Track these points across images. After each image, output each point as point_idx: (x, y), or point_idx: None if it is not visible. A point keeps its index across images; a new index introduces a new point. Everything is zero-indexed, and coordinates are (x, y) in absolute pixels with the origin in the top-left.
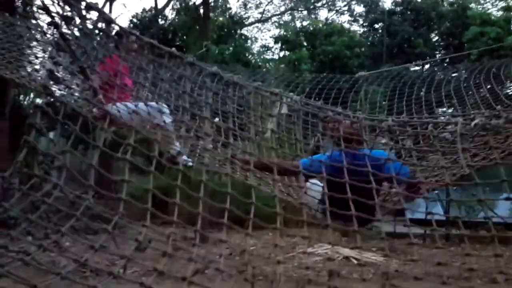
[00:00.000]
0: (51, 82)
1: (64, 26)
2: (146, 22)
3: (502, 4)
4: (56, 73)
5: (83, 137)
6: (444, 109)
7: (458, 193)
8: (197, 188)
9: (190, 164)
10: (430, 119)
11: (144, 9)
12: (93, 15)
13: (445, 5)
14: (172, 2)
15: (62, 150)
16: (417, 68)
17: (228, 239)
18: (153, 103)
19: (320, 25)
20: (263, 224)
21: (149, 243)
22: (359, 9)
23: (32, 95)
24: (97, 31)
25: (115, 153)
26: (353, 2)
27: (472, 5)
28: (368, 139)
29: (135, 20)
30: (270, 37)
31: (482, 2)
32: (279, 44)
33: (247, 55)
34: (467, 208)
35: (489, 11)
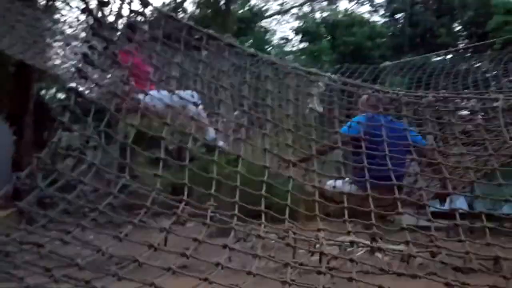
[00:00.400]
0: (86, 66)
1: (100, 11)
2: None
3: None
4: (91, 57)
5: (107, 130)
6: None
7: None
8: (219, 181)
9: (227, 148)
10: (471, 95)
11: (164, 3)
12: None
13: None
14: None
15: (98, 130)
16: (439, 58)
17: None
18: (186, 92)
19: (340, 16)
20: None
21: (189, 216)
22: None
23: (54, 90)
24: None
25: (137, 147)
26: None
27: None
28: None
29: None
30: (290, 29)
31: None
32: (300, 36)
33: (266, 47)
34: (492, 200)
35: None
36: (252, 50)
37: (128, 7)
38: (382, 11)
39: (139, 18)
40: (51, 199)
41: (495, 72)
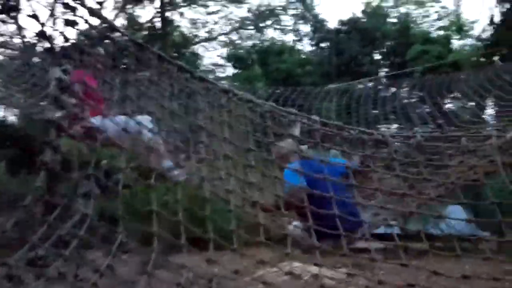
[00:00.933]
0: (61, 92)
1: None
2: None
3: (441, 24)
4: (65, 82)
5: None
6: (393, 125)
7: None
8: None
9: (182, 178)
10: (462, 133)
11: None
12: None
13: (389, 25)
14: (120, 21)
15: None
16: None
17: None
18: (143, 117)
19: (267, 43)
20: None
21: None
22: (305, 28)
23: None
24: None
25: (65, 174)
26: (300, 22)
27: (412, 25)
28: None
29: (82, 37)
30: (218, 55)
31: (419, 22)
32: (231, 62)
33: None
34: (423, 221)
35: (428, 29)
36: (226, 86)
37: (95, 30)
38: (306, 40)
39: (105, 41)
40: (44, 259)
41: (413, 100)
